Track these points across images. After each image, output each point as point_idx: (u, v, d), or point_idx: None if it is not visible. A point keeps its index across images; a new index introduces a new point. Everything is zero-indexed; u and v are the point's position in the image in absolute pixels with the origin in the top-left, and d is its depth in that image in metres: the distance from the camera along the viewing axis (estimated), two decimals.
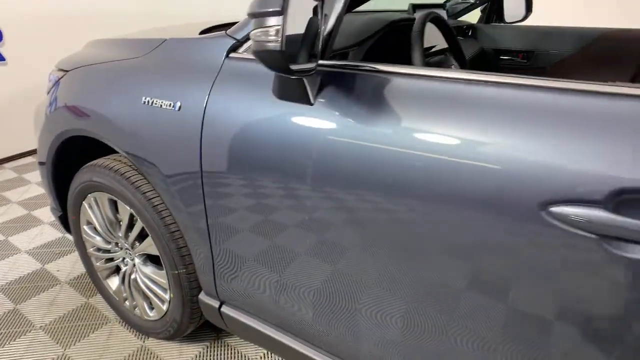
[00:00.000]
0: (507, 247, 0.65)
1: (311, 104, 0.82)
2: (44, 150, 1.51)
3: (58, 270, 1.89)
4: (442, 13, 1.57)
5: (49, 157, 1.49)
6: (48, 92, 1.51)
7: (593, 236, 0.58)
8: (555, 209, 0.60)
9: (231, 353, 1.47)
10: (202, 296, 1.24)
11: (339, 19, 0.82)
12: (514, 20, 2.06)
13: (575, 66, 1.74)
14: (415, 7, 1.47)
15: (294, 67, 0.67)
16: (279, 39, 0.62)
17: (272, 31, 0.62)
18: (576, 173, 0.59)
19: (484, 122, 0.68)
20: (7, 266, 1.91)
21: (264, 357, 1.45)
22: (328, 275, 0.91)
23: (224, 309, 1.19)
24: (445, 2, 1.97)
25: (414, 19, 1.15)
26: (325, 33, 0.84)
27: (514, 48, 1.93)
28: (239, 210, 1.00)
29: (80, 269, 1.88)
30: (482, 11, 2.09)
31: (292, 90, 0.83)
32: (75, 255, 1.98)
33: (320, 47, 0.74)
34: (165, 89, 1.06)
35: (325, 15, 0.77)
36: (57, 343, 1.50)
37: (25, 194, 2.59)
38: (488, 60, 1.94)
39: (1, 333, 1.53)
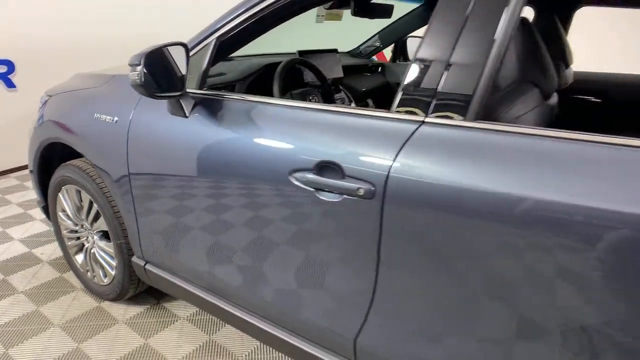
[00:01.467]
0: (277, 195, 1.10)
1: (186, 117, 1.29)
2: (32, 157, 2.00)
3: (42, 254, 2.35)
4: (331, 57, 2.05)
5: (35, 159, 1.97)
6: (38, 112, 2.01)
7: (310, 188, 1.03)
8: (294, 174, 1.05)
9: (165, 312, 1.90)
10: (134, 258, 1.68)
11: (208, 65, 1.31)
12: None
13: None
14: (301, 53, 1.96)
15: (157, 94, 1.15)
16: (140, 78, 1.10)
17: (136, 74, 1.10)
18: (303, 155, 1.04)
19: (277, 130, 1.14)
20: (2, 249, 2.38)
21: (192, 316, 1.88)
22: (211, 238, 1.35)
23: (147, 266, 1.63)
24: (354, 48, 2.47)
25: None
26: (202, 72, 1.33)
27: None
28: (151, 195, 1.45)
29: (59, 253, 2.34)
30: (392, 52, 2.58)
31: (174, 108, 1.30)
32: (57, 244, 2.44)
33: (186, 82, 1.22)
34: (109, 108, 1.54)
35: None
36: (33, 303, 1.94)
37: (23, 197, 3.08)
38: (393, 91, 2.42)
39: None
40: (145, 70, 1.10)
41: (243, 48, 1.44)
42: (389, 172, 0.92)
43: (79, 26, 3.71)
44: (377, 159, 0.95)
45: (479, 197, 0.83)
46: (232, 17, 1.27)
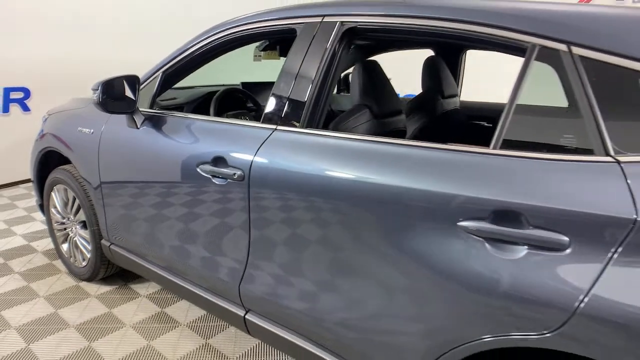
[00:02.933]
0: (189, 182, 1.55)
1: (138, 128, 1.77)
2: (33, 163, 2.50)
3: (38, 246, 2.82)
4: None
5: (35, 165, 2.47)
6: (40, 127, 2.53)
7: (207, 175, 1.48)
8: (200, 166, 1.50)
9: (130, 290, 2.33)
10: (103, 241, 2.13)
11: (156, 91, 1.80)
12: None
13: None
14: (244, 84, 2.44)
15: (112, 109, 1.63)
16: (98, 99, 1.59)
17: (96, 96, 1.59)
18: (204, 152, 1.50)
19: (194, 136, 1.60)
20: (5, 243, 2.85)
21: (151, 294, 2.30)
22: (148, 219, 1.79)
23: (112, 247, 2.07)
24: None
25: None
26: (152, 96, 1.81)
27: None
28: (113, 189, 1.91)
29: (51, 245, 2.80)
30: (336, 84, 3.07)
31: (129, 122, 1.78)
32: (50, 239, 2.90)
33: (137, 102, 1.71)
34: (88, 122, 2.04)
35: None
36: (25, 280, 2.39)
37: (29, 204, 3.59)
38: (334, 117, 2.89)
39: None
40: (101, 93, 1.59)
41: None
42: (252, 162, 1.37)
43: (87, 58, 4.31)
44: (246, 153, 1.39)
45: (304, 178, 1.27)
46: (173, 57, 1.77)
